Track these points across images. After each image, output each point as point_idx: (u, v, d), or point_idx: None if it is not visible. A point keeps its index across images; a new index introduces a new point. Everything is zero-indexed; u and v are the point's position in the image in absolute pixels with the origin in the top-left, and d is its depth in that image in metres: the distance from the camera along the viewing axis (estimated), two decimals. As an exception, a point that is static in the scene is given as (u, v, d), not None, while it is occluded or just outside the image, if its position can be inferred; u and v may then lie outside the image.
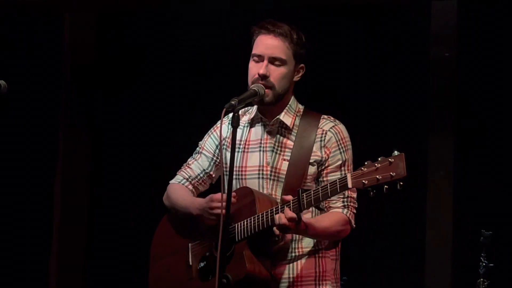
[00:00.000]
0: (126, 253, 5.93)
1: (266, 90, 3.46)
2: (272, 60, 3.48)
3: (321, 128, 3.50)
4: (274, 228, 3.29)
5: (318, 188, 3.25)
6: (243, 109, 3.61)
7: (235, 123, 3.28)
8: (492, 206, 5.14)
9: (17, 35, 5.97)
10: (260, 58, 3.49)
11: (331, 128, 3.50)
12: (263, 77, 3.46)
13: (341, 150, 3.49)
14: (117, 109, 6.06)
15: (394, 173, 3.04)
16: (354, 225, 3.48)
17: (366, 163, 3.14)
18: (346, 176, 3.17)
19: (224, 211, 3.22)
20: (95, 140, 6.11)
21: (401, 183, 3.05)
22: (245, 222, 3.39)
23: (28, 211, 5.96)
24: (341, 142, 3.50)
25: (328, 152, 3.48)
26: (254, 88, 3.43)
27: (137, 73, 6.01)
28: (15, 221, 5.93)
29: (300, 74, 3.57)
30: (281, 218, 3.24)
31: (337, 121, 3.55)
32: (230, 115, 3.54)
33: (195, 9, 5.76)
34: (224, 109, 3.30)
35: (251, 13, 5.39)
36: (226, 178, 3.59)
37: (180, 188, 3.69)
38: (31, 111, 5.96)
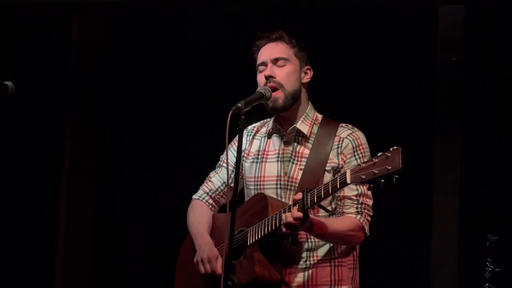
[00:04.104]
0: (132, 254, 5.94)
1: (275, 92, 3.48)
2: (275, 61, 3.52)
3: (338, 135, 3.52)
4: (282, 227, 3.30)
5: (321, 187, 3.26)
6: (261, 121, 3.68)
7: (241, 125, 3.29)
8: (498, 211, 5.14)
9: (25, 38, 5.99)
10: (264, 64, 3.54)
11: (348, 135, 3.52)
12: (269, 78, 3.48)
13: (358, 156, 3.49)
14: (124, 111, 6.07)
15: (390, 166, 3.05)
16: (368, 233, 3.49)
17: (366, 159, 3.17)
18: (346, 172, 3.18)
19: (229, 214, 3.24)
20: (101, 142, 6.12)
21: (397, 176, 3.05)
22: (257, 226, 3.41)
23: (34, 212, 5.97)
24: (357, 148, 3.50)
25: (344, 159, 3.49)
26: (260, 90, 3.45)
27: (144, 75, 6.01)
28: (22, 222, 5.94)
29: (308, 76, 3.59)
30: (287, 216, 3.26)
31: (355, 128, 3.56)
32: (249, 127, 3.65)
33: (203, 13, 5.77)
34: (231, 112, 3.31)
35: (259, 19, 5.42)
36: (245, 189, 3.65)
37: (200, 212, 3.72)
38: (38, 113, 5.97)
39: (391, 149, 3.10)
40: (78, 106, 6.09)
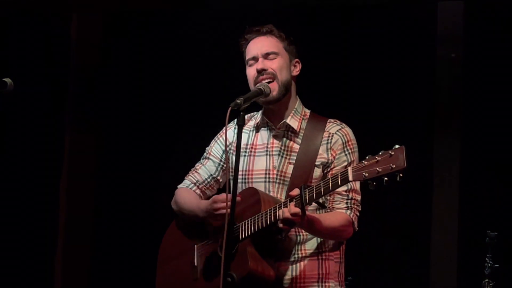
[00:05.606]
0: (131, 253, 5.94)
1: (271, 84, 3.48)
2: (266, 56, 3.53)
3: (327, 131, 3.52)
4: (279, 223, 3.30)
5: (320, 183, 3.26)
6: (248, 114, 3.66)
7: (241, 122, 3.29)
8: (497, 206, 5.14)
9: (24, 35, 5.99)
10: (255, 59, 3.54)
11: (337, 131, 3.53)
12: (262, 71, 3.49)
13: (347, 152, 3.50)
14: (123, 109, 6.07)
15: (394, 165, 3.05)
16: (357, 228, 3.50)
17: (367, 157, 3.15)
18: (347, 169, 3.17)
19: (229, 211, 3.24)
20: (100, 139, 6.12)
21: (401, 175, 3.05)
22: (249, 221, 3.41)
23: (33, 210, 5.97)
24: (347, 144, 3.51)
25: (334, 154, 3.50)
26: (259, 86, 3.46)
27: (143, 73, 6.02)
28: (21, 221, 5.94)
29: (297, 69, 3.60)
30: (284, 212, 3.26)
31: (343, 124, 3.57)
32: (236, 120, 3.57)
33: (202, 10, 5.77)
34: (230, 108, 3.31)
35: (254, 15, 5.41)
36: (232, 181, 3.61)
37: (186, 192, 3.71)
38: (38, 110, 5.97)
39: (393, 147, 3.09)
40: (78, 104, 6.09)
